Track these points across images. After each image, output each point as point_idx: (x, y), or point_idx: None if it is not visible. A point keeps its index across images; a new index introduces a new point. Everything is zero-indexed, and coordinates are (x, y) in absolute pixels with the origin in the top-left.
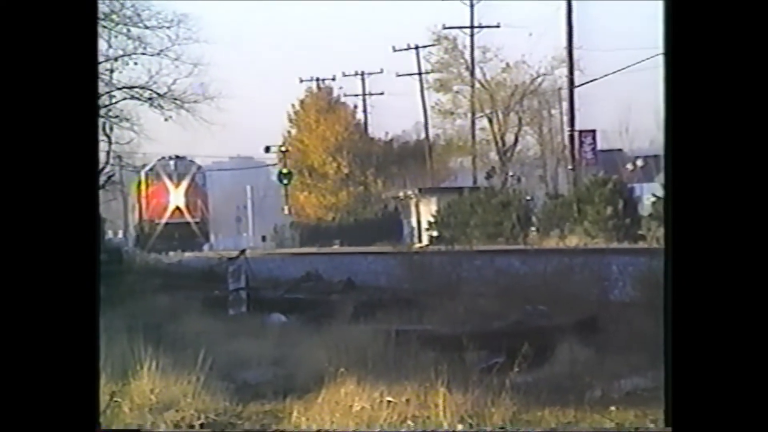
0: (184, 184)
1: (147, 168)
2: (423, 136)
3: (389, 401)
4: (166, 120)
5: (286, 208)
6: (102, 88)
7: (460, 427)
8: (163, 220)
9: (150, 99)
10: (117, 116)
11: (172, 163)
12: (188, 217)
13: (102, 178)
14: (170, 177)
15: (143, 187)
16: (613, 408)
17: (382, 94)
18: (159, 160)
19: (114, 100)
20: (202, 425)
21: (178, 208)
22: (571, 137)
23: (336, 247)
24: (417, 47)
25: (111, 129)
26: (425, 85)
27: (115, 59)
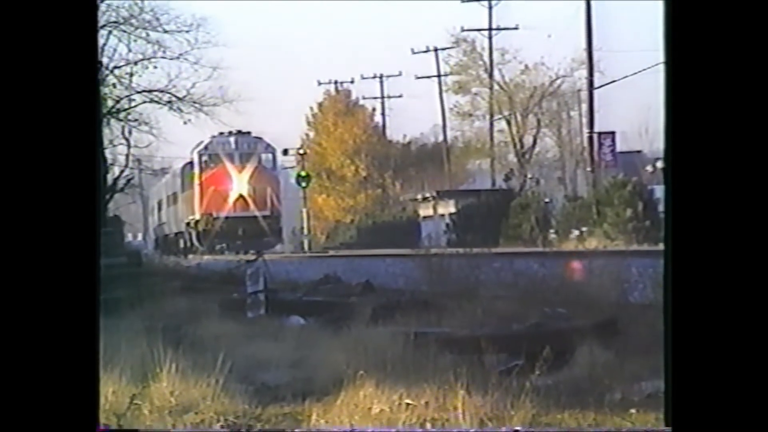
0: (249, 167)
1: (200, 147)
2: (441, 138)
3: (408, 404)
4: (185, 123)
5: (304, 210)
6: (121, 91)
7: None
8: (223, 214)
9: (169, 102)
10: (136, 120)
11: (232, 140)
12: (254, 210)
13: (121, 182)
14: (231, 158)
15: (197, 171)
16: (633, 411)
17: (400, 96)
18: (215, 136)
19: (133, 104)
20: (221, 427)
21: (241, 197)
22: (591, 139)
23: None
24: (436, 49)
25: (130, 132)
26: (444, 88)
27: (135, 63)
